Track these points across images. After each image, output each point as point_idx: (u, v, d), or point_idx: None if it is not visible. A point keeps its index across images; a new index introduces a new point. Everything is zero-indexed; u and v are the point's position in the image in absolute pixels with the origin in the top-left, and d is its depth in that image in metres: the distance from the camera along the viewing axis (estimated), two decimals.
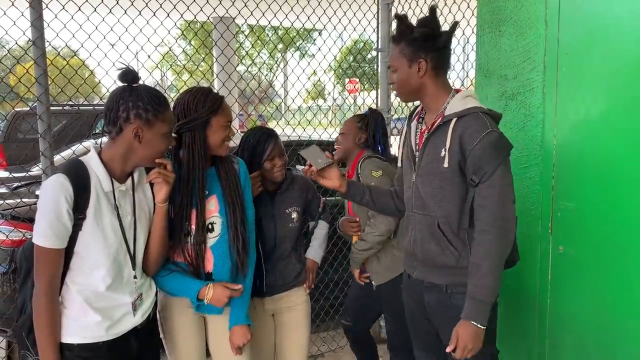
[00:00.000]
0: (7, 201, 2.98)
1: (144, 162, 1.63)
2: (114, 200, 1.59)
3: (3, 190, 3.75)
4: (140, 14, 2.99)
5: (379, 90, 3.40)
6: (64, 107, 7.05)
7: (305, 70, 3.86)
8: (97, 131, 7.00)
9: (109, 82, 2.31)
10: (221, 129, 1.87)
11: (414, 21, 1.80)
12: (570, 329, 2.10)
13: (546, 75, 2.09)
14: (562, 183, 2.08)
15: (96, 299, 1.58)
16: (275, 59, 20.14)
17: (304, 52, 17.08)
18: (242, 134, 2.26)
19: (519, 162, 2.19)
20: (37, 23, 2.34)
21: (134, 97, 1.54)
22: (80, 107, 7.23)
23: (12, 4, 2.45)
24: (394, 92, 1.93)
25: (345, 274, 3.52)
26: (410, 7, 3.40)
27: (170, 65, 12.95)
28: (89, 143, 1.78)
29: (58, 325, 1.53)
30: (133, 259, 1.65)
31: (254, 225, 2.04)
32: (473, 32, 2.57)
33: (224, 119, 1.87)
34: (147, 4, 2.75)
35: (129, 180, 1.64)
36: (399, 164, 2.01)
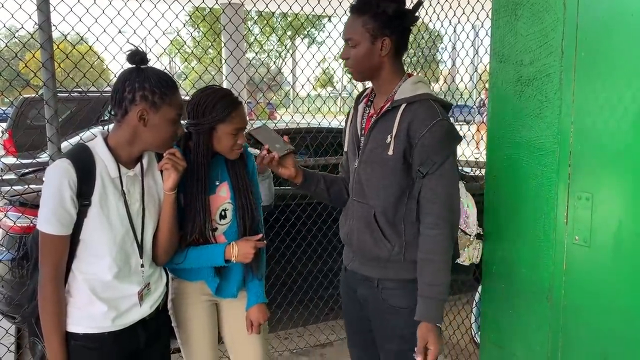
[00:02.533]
0: (15, 187, 2.97)
1: (150, 148, 1.60)
2: (121, 186, 1.56)
3: (11, 176, 3.75)
4: None
5: None
6: (72, 94, 7.04)
7: (315, 57, 3.80)
8: (105, 118, 7.00)
9: (117, 68, 2.28)
10: (228, 136, 1.82)
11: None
12: (586, 320, 2.06)
13: (564, 61, 2.03)
14: (579, 172, 2.02)
15: (102, 288, 1.56)
16: (284, 45, 20.03)
17: (313, 39, 16.96)
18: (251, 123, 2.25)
19: (534, 149, 2.14)
20: (44, 6, 2.32)
21: (140, 78, 1.51)
22: (88, 94, 7.22)
23: None
24: (346, 68, 1.76)
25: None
26: None
27: (178, 51, 12.91)
28: (96, 130, 1.78)
29: (64, 313, 1.52)
30: (140, 247, 1.62)
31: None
32: (488, 17, 2.50)
33: (232, 127, 1.81)
34: None
35: (138, 166, 1.61)
36: (345, 149, 1.88)
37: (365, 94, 1.82)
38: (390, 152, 1.63)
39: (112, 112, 1.56)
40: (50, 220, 1.46)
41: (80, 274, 1.53)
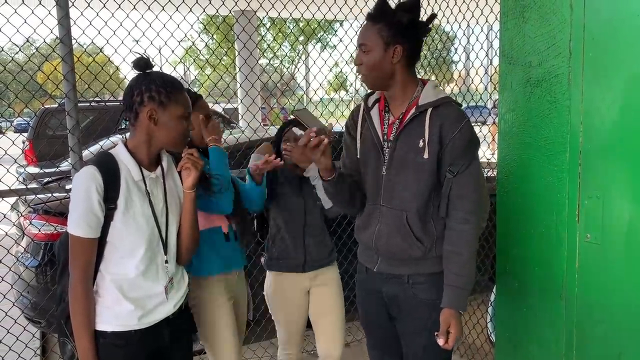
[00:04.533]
0: (39, 196, 3.06)
1: (166, 146, 1.67)
2: (145, 188, 1.63)
3: (34, 185, 3.85)
4: (163, 9, 3.03)
5: None
6: (91, 104, 7.19)
7: (327, 62, 3.85)
8: (124, 126, 7.12)
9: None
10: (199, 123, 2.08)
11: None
12: (600, 318, 2.07)
13: (572, 61, 2.06)
14: (589, 171, 2.04)
15: (129, 288, 1.62)
16: (297, 51, 20.13)
17: (325, 44, 17.02)
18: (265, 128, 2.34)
19: (544, 150, 2.16)
20: (64, 21, 2.40)
21: (146, 81, 1.60)
22: (107, 103, 7.36)
23: (40, 3, 2.51)
24: (360, 74, 1.76)
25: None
26: None
27: (194, 59, 13.06)
28: (115, 138, 1.85)
29: (93, 312, 1.59)
30: (165, 245, 1.68)
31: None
32: (496, 19, 2.54)
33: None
34: None
35: (159, 169, 1.69)
36: (358, 155, 1.85)
37: (375, 100, 1.84)
38: (426, 156, 1.68)
39: (126, 117, 1.64)
40: (80, 223, 1.52)
41: (108, 274, 1.60)
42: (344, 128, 1.92)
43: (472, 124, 1.74)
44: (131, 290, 1.62)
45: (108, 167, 1.58)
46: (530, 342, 2.38)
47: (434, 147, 1.67)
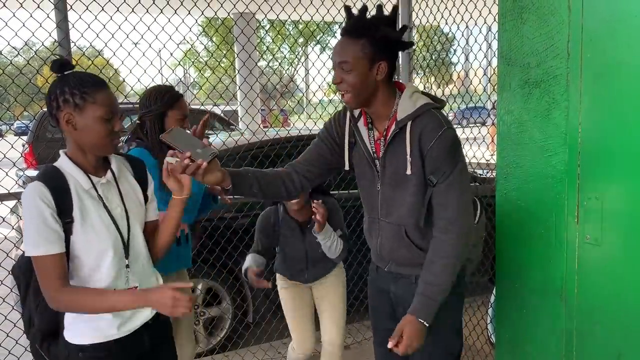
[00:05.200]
0: None
1: (98, 150, 1.56)
2: (97, 194, 1.56)
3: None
4: (161, 12, 3.03)
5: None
6: None
7: (326, 64, 3.85)
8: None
9: (133, 81, 2.36)
10: (177, 122, 2.22)
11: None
12: (600, 319, 2.07)
13: (570, 62, 2.06)
14: (588, 171, 2.04)
15: None
16: (296, 53, 20.14)
17: (324, 46, 17.03)
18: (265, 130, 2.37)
19: (543, 150, 2.17)
20: (63, 24, 2.40)
21: (61, 84, 1.50)
22: None
23: (38, 6, 2.51)
24: (341, 93, 1.63)
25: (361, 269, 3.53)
26: None
27: (193, 62, 13.07)
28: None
29: (89, 291, 1.53)
30: (127, 249, 1.60)
31: None
32: (495, 21, 2.54)
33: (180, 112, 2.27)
34: (168, 2, 2.78)
35: (109, 173, 1.61)
36: (346, 167, 1.80)
37: (359, 113, 1.78)
38: (409, 172, 1.65)
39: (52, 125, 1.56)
40: (38, 242, 1.44)
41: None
42: (324, 127, 1.86)
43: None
44: None
45: (55, 181, 1.49)
46: (530, 343, 2.38)
47: (416, 161, 1.64)
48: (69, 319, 1.59)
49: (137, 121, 2.35)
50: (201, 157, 1.50)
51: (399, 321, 1.79)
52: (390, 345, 1.63)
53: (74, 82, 1.49)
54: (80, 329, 1.57)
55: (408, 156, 1.63)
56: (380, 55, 1.61)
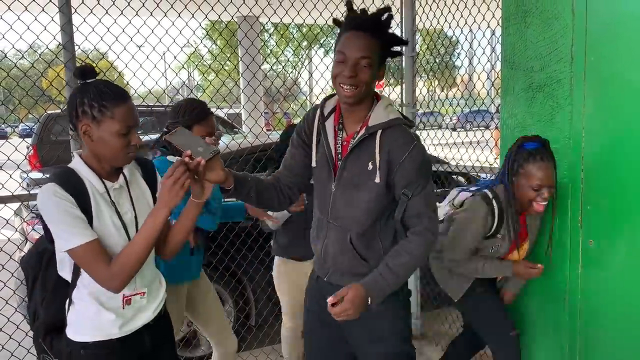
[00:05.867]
0: None
1: (112, 162, 1.57)
2: (110, 199, 1.57)
3: (38, 190, 3.86)
4: (165, 15, 3.04)
5: (404, 85, 3.38)
6: None
7: (329, 67, 3.84)
8: None
9: (137, 83, 2.36)
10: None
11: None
12: (603, 324, 2.06)
13: (574, 66, 2.05)
14: (592, 176, 2.04)
15: (108, 299, 1.58)
16: (300, 56, 20.16)
17: (327, 49, 17.04)
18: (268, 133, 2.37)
19: None
20: (67, 27, 2.41)
21: (81, 93, 1.49)
22: None
23: (43, 9, 2.52)
24: (350, 87, 1.59)
25: None
26: (434, 1, 3.37)
27: (197, 65, 13.08)
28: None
29: (127, 247, 1.53)
30: None
31: None
32: (498, 24, 2.54)
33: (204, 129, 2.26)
34: (172, 5, 2.79)
35: (121, 178, 1.62)
36: (314, 164, 1.78)
37: (331, 109, 1.76)
38: (377, 180, 1.64)
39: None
40: (70, 234, 1.45)
41: (85, 288, 1.56)
42: (295, 132, 1.85)
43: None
44: (110, 301, 1.58)
45: (72, 182, 1.50)
46: (535, 346, 2.37)
47: (383, 171, 1.63)
48: (72, 316, 1.60)
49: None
50: (201, 155, 1.53)
51: (339, 332, 1.77)
52: (329, 301, 1.58)
53: (94, 94, 1.48)
54: (82, 327, 1.58)
55: (377, 163, 1.64)
56: (385, 58, 1.64)
